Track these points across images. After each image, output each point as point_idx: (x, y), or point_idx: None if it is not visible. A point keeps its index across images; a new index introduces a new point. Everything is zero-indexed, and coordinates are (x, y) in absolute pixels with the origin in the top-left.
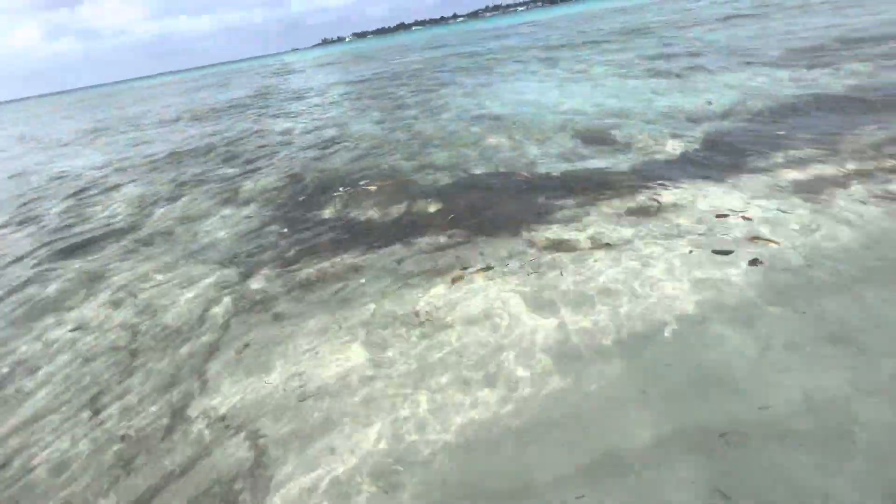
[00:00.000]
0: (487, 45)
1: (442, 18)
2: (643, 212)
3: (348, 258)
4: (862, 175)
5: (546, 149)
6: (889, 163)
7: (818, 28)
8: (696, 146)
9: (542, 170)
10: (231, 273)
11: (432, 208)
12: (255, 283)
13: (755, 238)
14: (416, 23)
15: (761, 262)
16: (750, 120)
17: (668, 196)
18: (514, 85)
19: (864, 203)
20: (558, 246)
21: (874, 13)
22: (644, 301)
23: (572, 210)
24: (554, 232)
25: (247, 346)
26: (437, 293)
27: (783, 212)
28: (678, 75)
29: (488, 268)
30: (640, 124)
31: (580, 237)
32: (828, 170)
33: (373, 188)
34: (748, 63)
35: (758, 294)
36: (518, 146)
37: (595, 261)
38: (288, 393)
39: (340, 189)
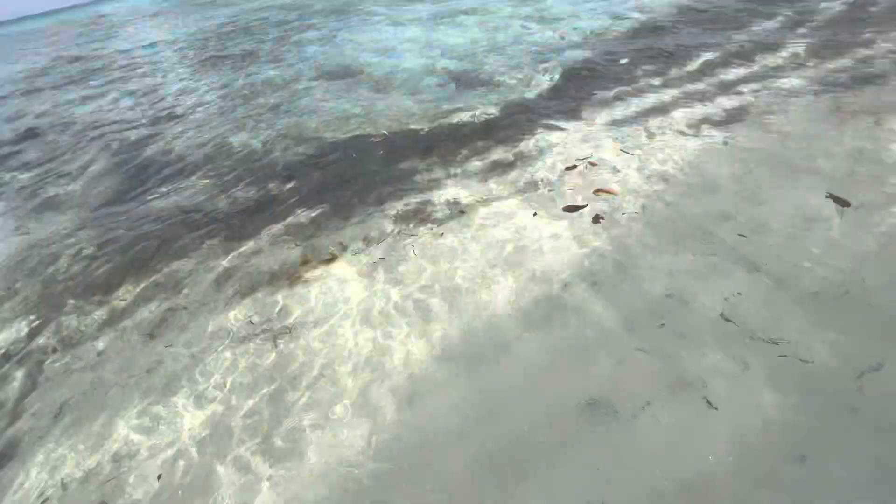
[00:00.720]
0: None
1: None
2: (499, 167)
3: (173, 267)
4: (689, 103)
5: (405, 100)
6: (711, 89)
7: None
8: (552, 86)
9: (402, 125)
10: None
11: (277, 189)
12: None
13: (598, 190)
14: None
15: (602, 219)
16: (602, 50)
17: (523, 146)
18: (379, 29)
19: (688, 136)
20: (413, 217)
21: None
22: (493, 287)
23: (431, 173)
24: (409, 203)
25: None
26: (275, 300)
27: (626, 152)
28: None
29: (332, 258)
30: (504, 62)
31: (436, 205)
32: (665, 98)
33: (205, 181)
34: None
35: (598, 259)
36: (378, 100)
37: (445, 235)
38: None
39: (167, 178)
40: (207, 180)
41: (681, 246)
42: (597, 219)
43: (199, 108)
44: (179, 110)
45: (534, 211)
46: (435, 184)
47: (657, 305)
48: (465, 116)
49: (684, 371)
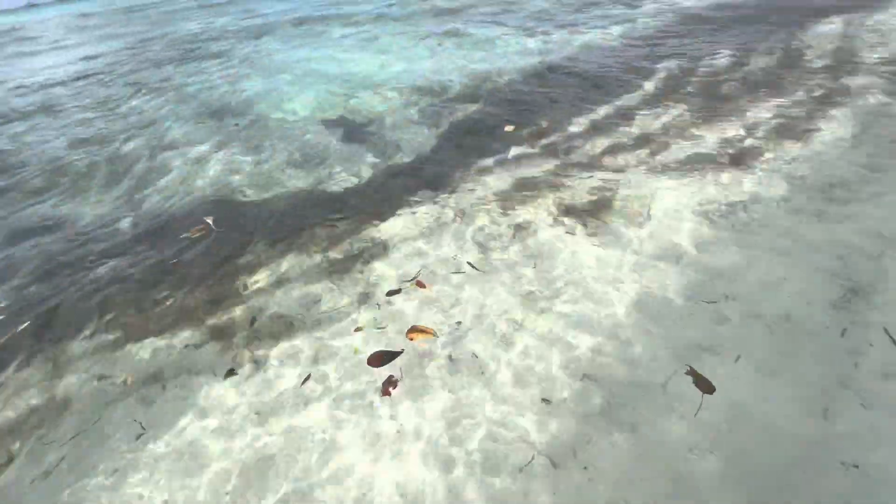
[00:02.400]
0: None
1: None
2: (329, 270)
3: None
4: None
5: (259, 165)
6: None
7: None
8: (422, 151)
9: (232, 201)
10: None
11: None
12: None
13: (413, 332)
14: None
15: (393, 386)
16: (491, 102)
17: (350, 245)
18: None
19: (556, 226)
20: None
21: None
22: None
23: (244, 294)
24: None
25: None
26: None
27: (473, 266)
28: (454, 34)
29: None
30: (400, 106)
31: (234, 351)
32: (536, 177)
33: None
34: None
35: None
36: (218, 165)
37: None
38: None
39: None
40: None
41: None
42: (387, 387)
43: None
44: None
45: (309, 373)
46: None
47: None
48: (308, 184)
49: None
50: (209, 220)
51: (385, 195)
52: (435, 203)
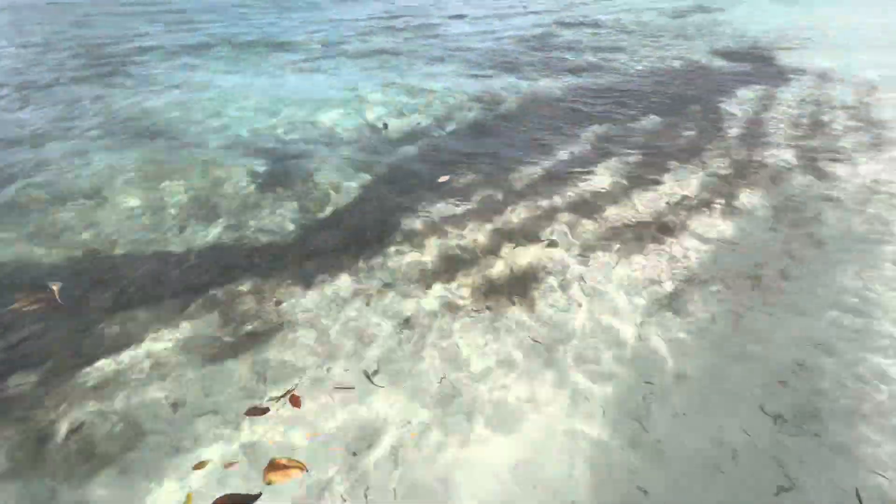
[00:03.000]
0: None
1: None
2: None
3: None
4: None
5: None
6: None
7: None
8: (336, 224)
9: (96, 261)
10: None
11: None
12: None
13: (273, 469)
14: None
15: None
16: (421, 157)
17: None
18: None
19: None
20: None
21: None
22: None
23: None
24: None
25: None
26: None
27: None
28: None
29: None
30: (324, 146)
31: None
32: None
33: None
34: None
35: None
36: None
37: None
38: None
39: None
40: None
41: None
42: None
43: None
44: None
45: None
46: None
47: None
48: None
49: None
50: (54, 287)
51: (298, 255)
52: (348, 274)
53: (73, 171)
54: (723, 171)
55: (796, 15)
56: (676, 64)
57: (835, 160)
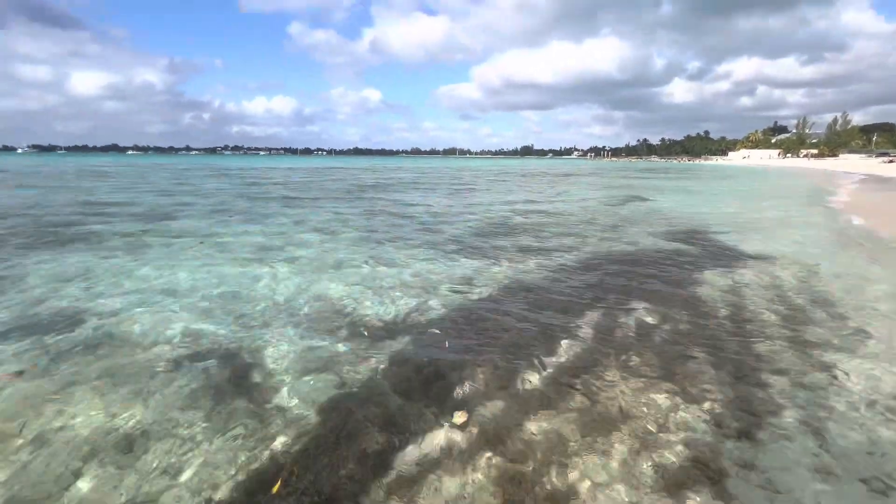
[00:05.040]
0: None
1: (171, 148)
2: None
3: None
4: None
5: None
6: None
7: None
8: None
9: None
10: None
11: None
12: None
13: None
14: (135, 147)
15: None
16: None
17: None
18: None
19: None
20: None
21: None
22: None
23: None
24: None
25: None
26: None
27: None
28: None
29: None
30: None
31: None
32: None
33: None
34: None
35: None
36: None
37: None
38: None
39: None
40: None
41: None
42: None
43: None
44: None
45: None
46: None
47: None
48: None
49: None
50: None
51: None
52: None
53: None
54: None
55: (706, 207)
56: (630, 248)
57: None
